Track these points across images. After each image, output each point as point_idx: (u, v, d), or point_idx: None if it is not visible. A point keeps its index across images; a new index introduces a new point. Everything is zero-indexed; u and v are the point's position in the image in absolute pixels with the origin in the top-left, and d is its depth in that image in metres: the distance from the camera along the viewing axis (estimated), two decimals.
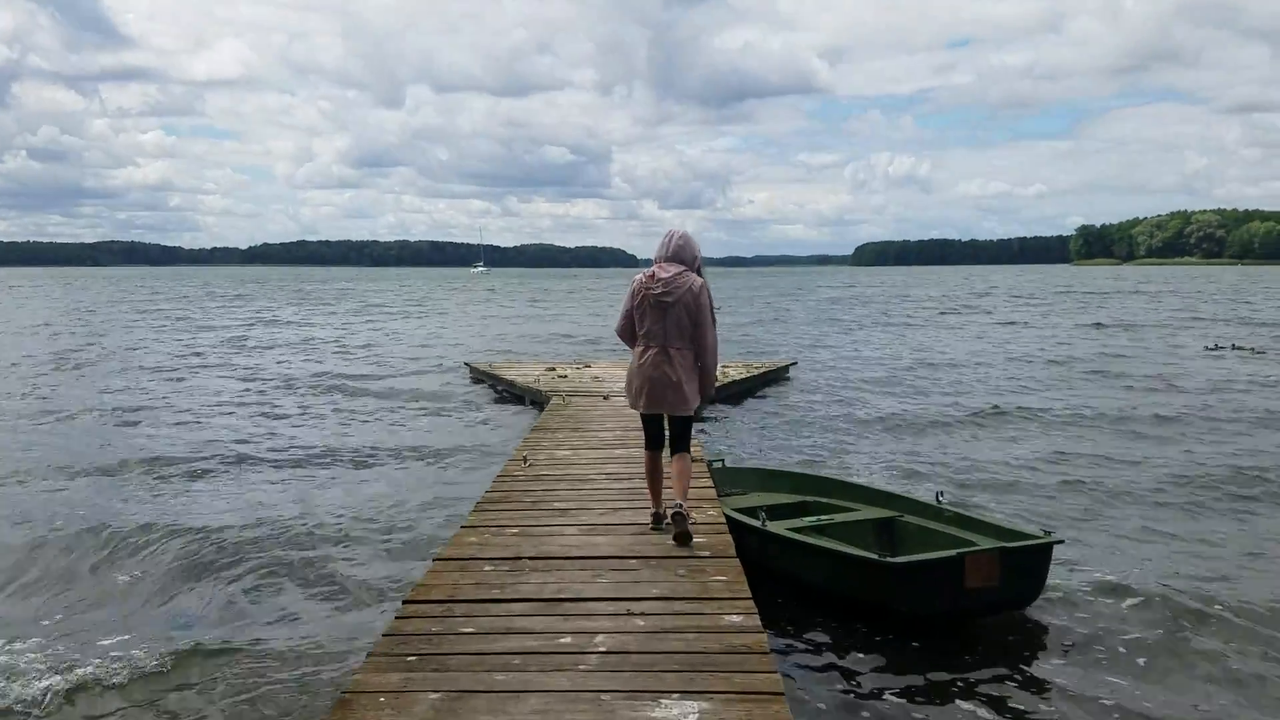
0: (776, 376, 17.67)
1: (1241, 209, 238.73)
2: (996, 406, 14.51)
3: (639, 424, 10.02)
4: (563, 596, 4.75)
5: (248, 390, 17.12)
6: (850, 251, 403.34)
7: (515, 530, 6.02)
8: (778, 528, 6.33)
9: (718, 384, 6.49)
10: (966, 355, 23.06)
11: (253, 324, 37.54)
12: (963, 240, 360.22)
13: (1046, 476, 10.03)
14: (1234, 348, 23.84)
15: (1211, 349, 23.95)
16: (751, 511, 7.16)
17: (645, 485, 6.14)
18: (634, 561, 5.32)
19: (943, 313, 43.13)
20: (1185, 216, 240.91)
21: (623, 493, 6.99)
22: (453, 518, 8.16)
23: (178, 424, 13.78)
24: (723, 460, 8.36)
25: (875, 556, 5.42)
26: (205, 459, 11.16)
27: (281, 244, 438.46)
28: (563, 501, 6.79)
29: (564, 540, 5.77)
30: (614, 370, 16.55)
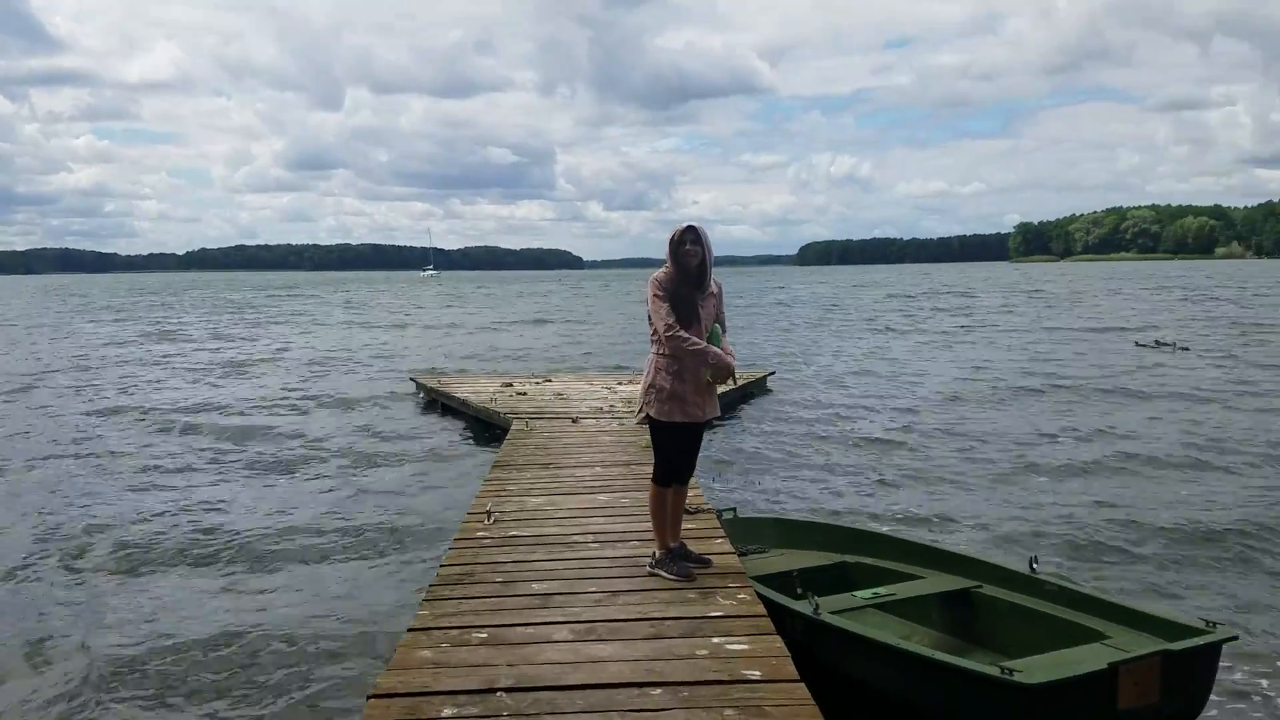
0: (754, 390, 16.09)
1: (1174, 204, 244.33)
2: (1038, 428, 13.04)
3: (618, 458, 8.85)
4: None
5: (141, 421, 14.94)
6: (794, 251, 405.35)
7: (483, 634, 4.41)
8: (835, 614, 4.80)
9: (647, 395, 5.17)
10: (953, 366, 21.83)
11: (159, 338, 35.14)
12: (904, 239, 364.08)
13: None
14: (1158, 344, 23.10)
15: (1147, 345, 23.27)
16: (781, 580, 5.66)
17: (648, 544, 5.34)
18: (658, 693, 3.74)
19: (905, 315, 42.16)
20: (1121, 213, 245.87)
21: (620, 566, 5.40)
22: (398, 604, 6.45)
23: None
24: (734, 509, 6.80)
25: (998, 673, 3.89)
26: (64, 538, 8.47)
27: (220, 249, 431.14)
28: (543, 580, 5.18)
29: (553, 652, 4.17)
30: (577, 385, 14.96)
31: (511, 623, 4.55)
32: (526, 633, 4.41)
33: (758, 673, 3.89)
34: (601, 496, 7.18)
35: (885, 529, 7.37)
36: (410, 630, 4.52)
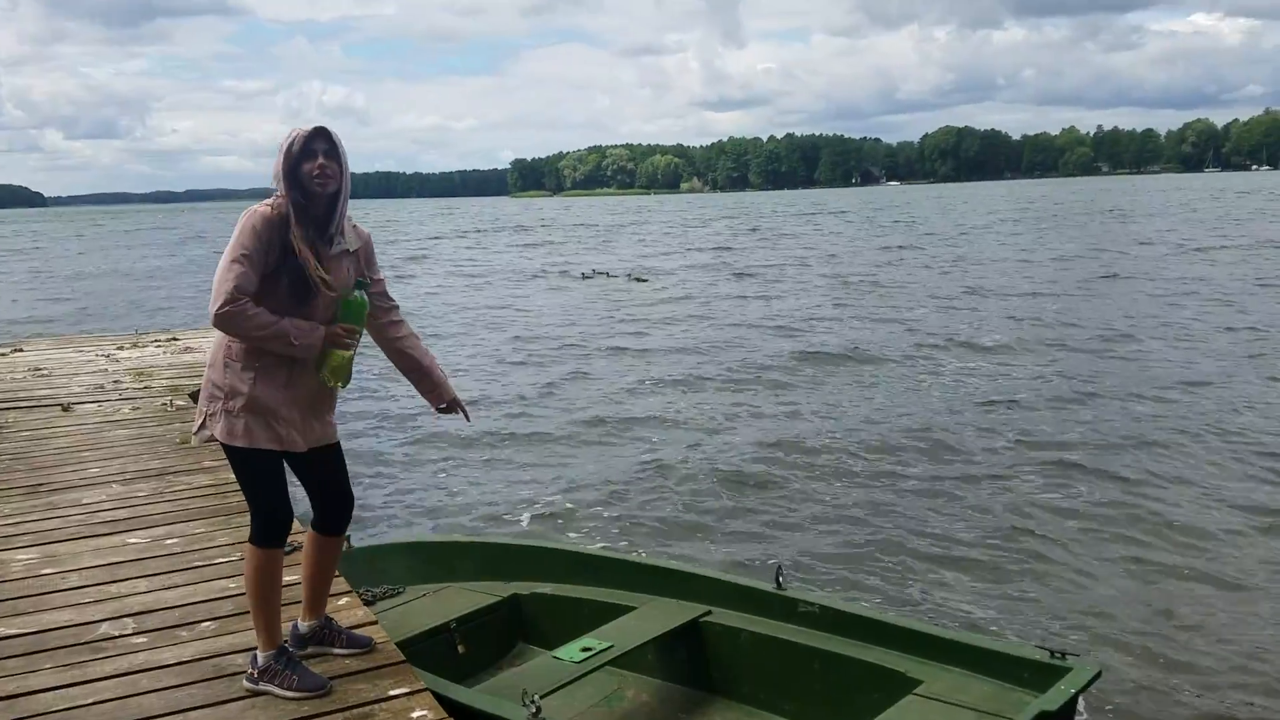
0: None
1: (645, 144, 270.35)
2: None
3: (147, 464, 6.46)
4: None
5: None
6: None
7: None
8: (552, 695, 3.28)
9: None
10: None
11: None
12: (407, 173, 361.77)
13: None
14: (597, 272, 25.08)
15: (588, 276, 25.23)
16: (435, 640, 4.08)
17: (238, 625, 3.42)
18: None
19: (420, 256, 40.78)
20: (601, 151, 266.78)
21: (196, 684, 3.34)
22: None
23: None
24: (348, 537, 4.88)
25: None
26: None
27: None
28: None
29: None
30: (62, 354, 11.42)
31: None
32: None
33: None
34: (133, 539, 4.82)
35: (532, 525, 5.96)
36: None
